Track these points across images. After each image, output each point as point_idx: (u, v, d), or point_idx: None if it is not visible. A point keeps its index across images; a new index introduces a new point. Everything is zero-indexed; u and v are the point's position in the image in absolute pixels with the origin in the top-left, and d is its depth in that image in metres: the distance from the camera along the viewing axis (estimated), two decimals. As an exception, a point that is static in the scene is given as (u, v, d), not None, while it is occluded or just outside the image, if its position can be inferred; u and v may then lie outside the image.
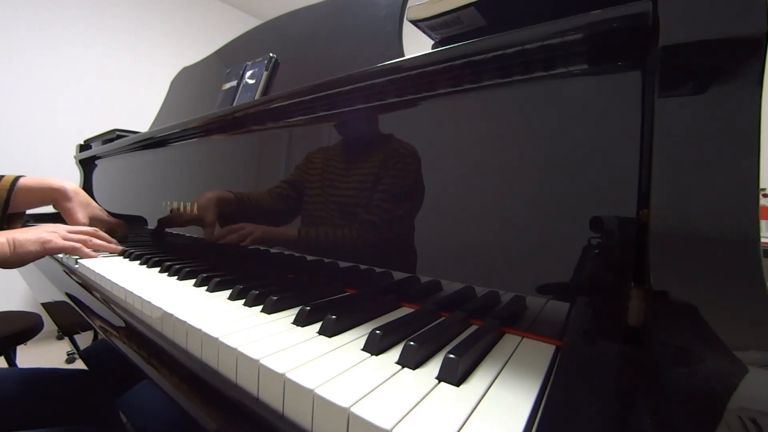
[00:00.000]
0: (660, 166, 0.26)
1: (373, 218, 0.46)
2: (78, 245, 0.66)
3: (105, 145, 1.16)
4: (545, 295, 0.33)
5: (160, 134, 0.84)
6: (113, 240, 0.76)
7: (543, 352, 0.31)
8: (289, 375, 0.25)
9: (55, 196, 0.81)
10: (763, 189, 1.25)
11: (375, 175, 0.47)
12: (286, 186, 0.59)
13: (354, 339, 0.32)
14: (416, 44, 0.52)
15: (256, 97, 0.74)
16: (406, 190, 0.44)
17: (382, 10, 0.59)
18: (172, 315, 0.37)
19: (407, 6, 0.57)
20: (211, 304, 0.41)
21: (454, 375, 0.25)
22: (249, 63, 0.82)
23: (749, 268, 0.23)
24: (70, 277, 0.64)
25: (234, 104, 0.79)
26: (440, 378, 0.26)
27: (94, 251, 0.69)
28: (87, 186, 1.31)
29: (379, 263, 0.45)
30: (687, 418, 0.19)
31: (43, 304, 0.99)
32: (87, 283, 0.59)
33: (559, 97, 0.34)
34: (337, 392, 0.23)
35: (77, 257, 0.68)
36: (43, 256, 0.63)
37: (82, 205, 0.83)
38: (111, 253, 0.73)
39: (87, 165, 1.30)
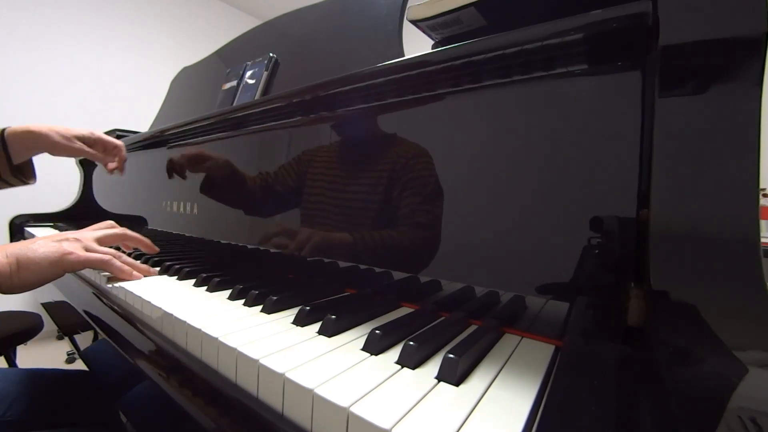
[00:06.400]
0: (660, 166, 0.26)
1: (374, 219, 0.46)
2: (107, 257, 0.50)
3: (105, 145, 1.16)
4: (545, 295, 0.33)
5: (160, 134, 0.84)
6: (148, 242, 0.61)
7: (542, 352, 0.31)
8: (288, 375, 0.25)
9: (41, 142, 0.69)
10: (763, 189, 1.25)
11: (378, 176, 0.47)
12: (273, 178, 0.60)
13: (354, 339, 0.32)
14: (416, 44, 0.52)
15: (256, 97, 0.74)
16: (409, 192, 0.44)
17: (382, 10, 0.59)
18: (171, 315, 0.37)
19: (407, 6, 0.57)
20: (211, 303, 0.41)
21: (454, 375, 0.25)
22: (249, 63, 0.82)
23: (749, 268, 0.23)
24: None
25: (234, 104, 0.79)
26: (440, 378, 0.26)
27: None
28: (87, 186, 1.31)
29: (379, 263, 0.45)
30: (687, 418, 0.19)
31: (43, 304, 0.99)
32: (87, 281, 0.59)
33: (559, 97, 0.34)
34: (337, 392, 0.23)
35: (108, 276, 0.52)
36: (62, 275, 0.49)
37: (65, 138, 0.72)
38: (146, 275, 0.54)
39: (87, 165, 1.30)
